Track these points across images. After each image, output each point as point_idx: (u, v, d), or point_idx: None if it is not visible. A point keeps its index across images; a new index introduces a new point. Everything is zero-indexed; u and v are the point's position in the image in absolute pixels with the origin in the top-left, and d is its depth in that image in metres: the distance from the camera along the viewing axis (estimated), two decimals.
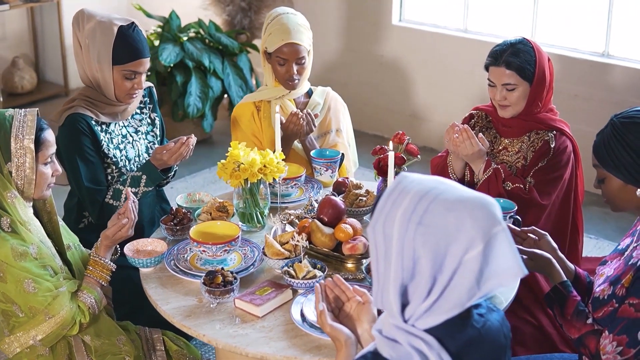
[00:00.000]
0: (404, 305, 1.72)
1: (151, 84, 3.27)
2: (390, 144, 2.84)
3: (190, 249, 2.66)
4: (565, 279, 2.38)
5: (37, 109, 2.47)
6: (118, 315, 2.82)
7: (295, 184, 3.09)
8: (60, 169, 2.50)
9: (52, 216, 2.57)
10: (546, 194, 3.04)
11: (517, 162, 3.13)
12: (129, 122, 3.14)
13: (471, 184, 3.14)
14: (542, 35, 4.96)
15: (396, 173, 3.03)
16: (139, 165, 3.11)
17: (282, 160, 2.89)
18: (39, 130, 2.42)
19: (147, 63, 2.98)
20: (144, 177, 3.00)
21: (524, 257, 2.42)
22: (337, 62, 5.84)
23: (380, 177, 3.07)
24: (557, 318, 2.37)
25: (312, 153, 3.27)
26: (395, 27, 5.48)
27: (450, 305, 1.67)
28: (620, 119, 2.24)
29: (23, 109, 2.44)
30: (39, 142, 2.41)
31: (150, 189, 3.03)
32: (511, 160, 3.14)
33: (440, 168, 3.25)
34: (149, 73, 5.41)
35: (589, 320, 2.29)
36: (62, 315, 2.40)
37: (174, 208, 2.86)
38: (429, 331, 1.71)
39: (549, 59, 3.09)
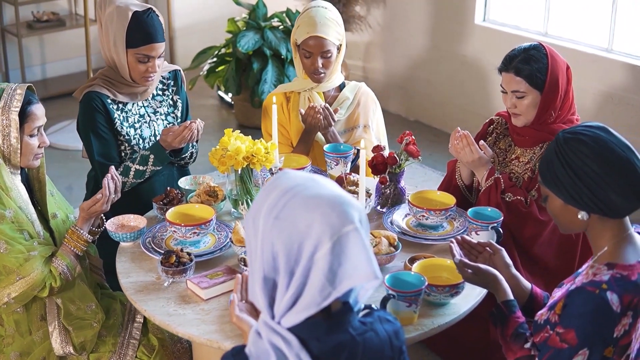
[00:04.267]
0: (274, 300, 1.74)
1: (178, 67, 3.39)
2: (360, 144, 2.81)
3: (167, 229, 2.76)
4: (511, 297, 2.26)
5: (30, 84, 2.64)
6: (116, 287, 2.96)
7: None
8: (47, 141, 2.67)
9: (42, 185, 2.75)
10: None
11: (524, 174, 3.02)
12: (149, 103, 3.28)
13: (478, 192, 3.06)
14: (620, 43, 4.70)
15: (389, 173, 3.01)
16: None
17: (283, 151, 2.93)
18: (27, 103, 2.58)
19: (159, 48, 3.09)
20: (152, 156, 3.13)
21: (469, 271, 2.33)
22: (423, 59, 5.78)
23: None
24: (499, 339, 2.28)
25: (325, 147, 3.28)
26: (478, 26, 5.36)
27: (306, 304, 1.67)
28: (565, 133, 2.07)
29: (16, 84, 2.62)
30: (24, 115, 2.57)
31: (158, 168, 3.16)
32: (519, 171, 3.04)
33: (450, 172, 3.19)
34: (229, 58, 5.58)
35: (527, 345, 2.17)
36: (33, 277, 2.56)
37: (168, 188, 2.98)
38: (293, 330, 1.72)
39: (568, 67, 2.95)
